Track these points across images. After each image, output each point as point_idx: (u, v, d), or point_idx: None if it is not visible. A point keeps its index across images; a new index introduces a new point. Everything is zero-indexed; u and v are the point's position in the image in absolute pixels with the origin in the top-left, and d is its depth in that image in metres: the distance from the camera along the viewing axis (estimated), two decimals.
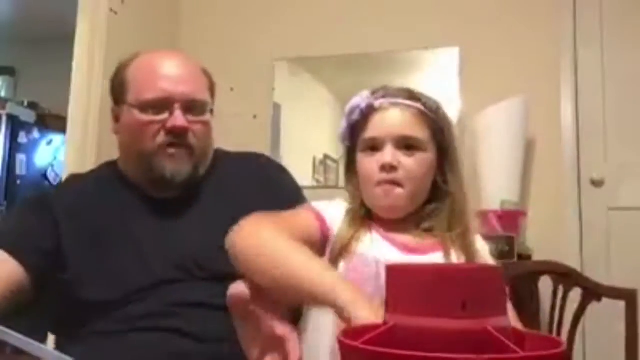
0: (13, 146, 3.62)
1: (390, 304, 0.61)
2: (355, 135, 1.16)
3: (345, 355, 0.59)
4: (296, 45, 3.18)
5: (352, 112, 1.14)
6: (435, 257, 1.09)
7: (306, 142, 3.18)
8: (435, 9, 3.00)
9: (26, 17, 4.16)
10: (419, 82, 3.04)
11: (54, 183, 3.79)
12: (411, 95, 1.15)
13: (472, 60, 2.86)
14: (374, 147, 1.12)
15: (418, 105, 1.13)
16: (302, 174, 3.11)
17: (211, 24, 3.38)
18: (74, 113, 2.73)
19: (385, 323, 0.61)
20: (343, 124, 1.17)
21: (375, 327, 0.62)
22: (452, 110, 2.91)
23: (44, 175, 3.83)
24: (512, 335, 0.58)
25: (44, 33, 4.13)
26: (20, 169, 3.65)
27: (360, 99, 1.14)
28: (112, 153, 2.88)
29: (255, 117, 3.20)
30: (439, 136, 1.14)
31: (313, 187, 3.09)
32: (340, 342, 0.60)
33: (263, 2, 3.31)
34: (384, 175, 1.10)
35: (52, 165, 3.88)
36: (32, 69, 4.45)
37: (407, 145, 1.11)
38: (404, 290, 0.60)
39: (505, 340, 0.51)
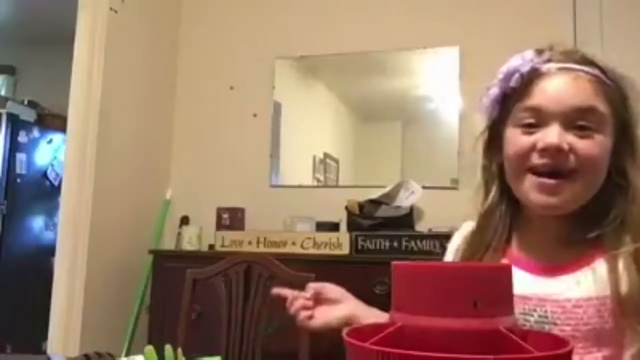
0: (13, 145, 3.61)
1: (398, 303, 0.60)
2: (507, 106, 0.92)
3: (354, 356, 0.57)
4: (297, 43, 3.18)
5: (508, 76, 0.91)
6: (588, 275, 0.85)
7: (306, 141, 3.17)
8: (435, 9, 3.00)
9: (26, 17, 4.15)
10: (419, 82, 3.06)
11: (54, 182, 3.79)
12: (586, 58, 0.91)
13: (472, 60, 2.85)
14: (533, 124, 0.88)
15: (596, 72, 0.89)
16: (302, 173, 3.11)
17: (211, 22, 3.38)
18: (74, 112, 2.73)
19: (392, 323, 0.59)
20: (494, 90, 0.93)
21: (382, 327, 0.60)
22: (452, 109, 2.92)
23: (44, 175, 3.83)
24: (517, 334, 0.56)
25: (44, 33, 4.13)
26: (20, 168, 3.64)
27: (522, 60, 0.91)
28: (112, 153, 2.90)
29: (255, 115, 3.19)
30: (621, 112, 0.87)
31: (313, 186, 3.09)
32: (348, 343, 0.58)
33: (264, 1, 3.31)
34: (544, 161, 0.86)
35: (52, 165, 3.87)
36: (32, 68, 4.45)
37: (580, 124, 0.86)
38: (412, 290, 0.58)
39: (519, 340, 0.51)
